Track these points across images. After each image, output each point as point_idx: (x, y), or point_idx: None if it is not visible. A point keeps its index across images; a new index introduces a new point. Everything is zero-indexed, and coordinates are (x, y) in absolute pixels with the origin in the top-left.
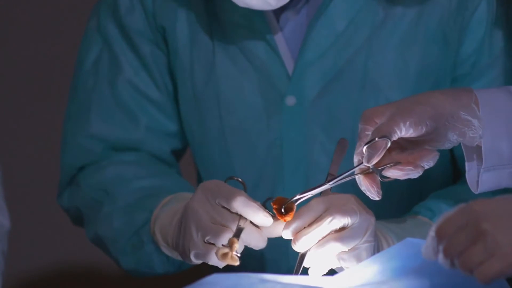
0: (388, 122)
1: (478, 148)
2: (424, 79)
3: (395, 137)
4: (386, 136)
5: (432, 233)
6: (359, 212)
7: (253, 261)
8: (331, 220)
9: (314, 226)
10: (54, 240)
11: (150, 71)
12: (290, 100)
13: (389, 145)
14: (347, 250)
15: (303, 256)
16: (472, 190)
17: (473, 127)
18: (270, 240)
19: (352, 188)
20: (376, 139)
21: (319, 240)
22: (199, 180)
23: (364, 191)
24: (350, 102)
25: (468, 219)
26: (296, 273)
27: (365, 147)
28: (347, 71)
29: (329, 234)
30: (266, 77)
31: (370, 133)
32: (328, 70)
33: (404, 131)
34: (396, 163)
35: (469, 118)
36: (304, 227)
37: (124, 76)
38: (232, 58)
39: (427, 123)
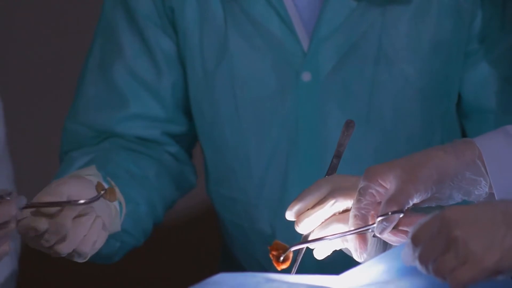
0: (401, 195)
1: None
2: (437, 53)
3: (406, 208)
4: (401, 210)
5: (408, 239)
6: None
7: (263, 241)
8: (334, 202)
9: (316, 208)
10: None
11: (153, 55)
12: (306, 76)
13: (401, 216)
14: None
15: (306, 237)
16: None
17: (478, 186)
18: (281, 221)
19: (358, 165)
20: (390, 213)
21: (322, 222)
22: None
23: (348, 248)
24: (364, 76)
25: (440, 226)
26: (300, 254)
27: (379, 218)
28: (361, 45)
29: (332, 215)
30: (281, 54)
31: (373, 191)
32: (343, 44)
33: (415, 201)
34: None
35: (475, 177)
36: (308, 209)
37: (123, 60)
38: (245, 36)
39: (433, 188)
